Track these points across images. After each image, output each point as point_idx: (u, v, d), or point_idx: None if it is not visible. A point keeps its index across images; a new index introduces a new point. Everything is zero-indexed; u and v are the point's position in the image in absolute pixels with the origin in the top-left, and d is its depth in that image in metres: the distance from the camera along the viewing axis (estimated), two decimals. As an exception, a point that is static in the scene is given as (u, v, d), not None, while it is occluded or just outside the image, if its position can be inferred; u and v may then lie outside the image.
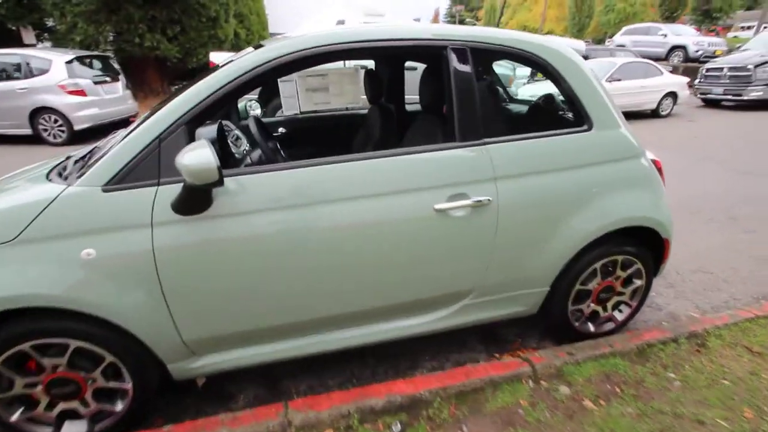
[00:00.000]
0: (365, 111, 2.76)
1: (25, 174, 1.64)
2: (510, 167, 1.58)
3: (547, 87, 2.60)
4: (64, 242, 1.23)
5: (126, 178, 1.27)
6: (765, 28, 15.98)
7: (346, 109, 2.90)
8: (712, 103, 10.13)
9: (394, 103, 2.54)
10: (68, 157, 1.68)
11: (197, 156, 1.11)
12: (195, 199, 1.23)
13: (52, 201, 1.24)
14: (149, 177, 1.28)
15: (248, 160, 1.62)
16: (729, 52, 13.38)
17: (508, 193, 1.57)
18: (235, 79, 1.34)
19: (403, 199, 1.47)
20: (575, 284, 1.84)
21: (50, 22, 10.43)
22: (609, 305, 1.99)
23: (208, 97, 1.31)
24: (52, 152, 5.87)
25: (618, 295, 1.98)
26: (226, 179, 1.28)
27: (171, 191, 1.27)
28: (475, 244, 1.60)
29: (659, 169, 1.91)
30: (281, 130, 2.69)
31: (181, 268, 1.32)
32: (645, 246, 1.89)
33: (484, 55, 1.56)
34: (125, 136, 1.33)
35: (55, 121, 6.89)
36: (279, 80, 2.69)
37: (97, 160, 1.31)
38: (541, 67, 1.65)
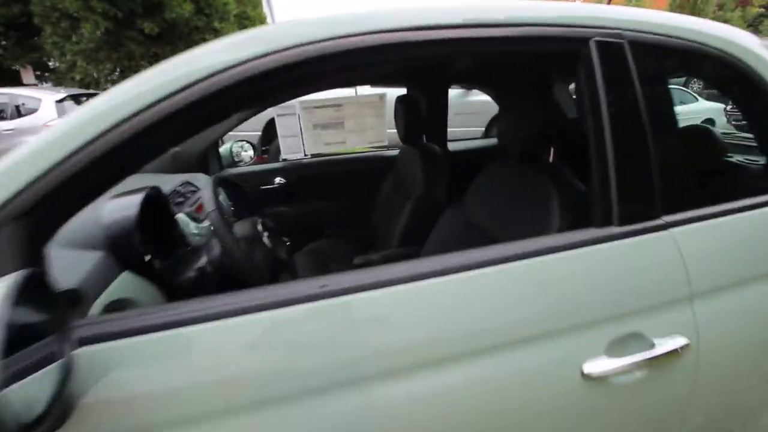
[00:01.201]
0: (393, 152, 2.04)
1: None
2: (714, 270, 0.80)
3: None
4: None
5: None
6: None
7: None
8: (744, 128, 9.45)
9: (437, 144, 1.79)
10: None
11: None
12: None
13: None
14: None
15: (203, 261, 0.85)
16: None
17: (713, 321, 0.79)
18: (143, 109, 0.57)
19: (520, 357, 0.69)
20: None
21: (51, 62, 10.20)
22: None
23: (78, 152, 0.55)
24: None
25: None
26: (123, 342, 0.52)
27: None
28: (651, 420, 0.81)
29: None
30: (278, 180, 1.96)
31: None
32: None
33: (648, 55, 0.82)
34: None
35: (42, 163, 6.38)
36: (276, 114, 1.99)
37: None
38: (738, 77, 0.89)
